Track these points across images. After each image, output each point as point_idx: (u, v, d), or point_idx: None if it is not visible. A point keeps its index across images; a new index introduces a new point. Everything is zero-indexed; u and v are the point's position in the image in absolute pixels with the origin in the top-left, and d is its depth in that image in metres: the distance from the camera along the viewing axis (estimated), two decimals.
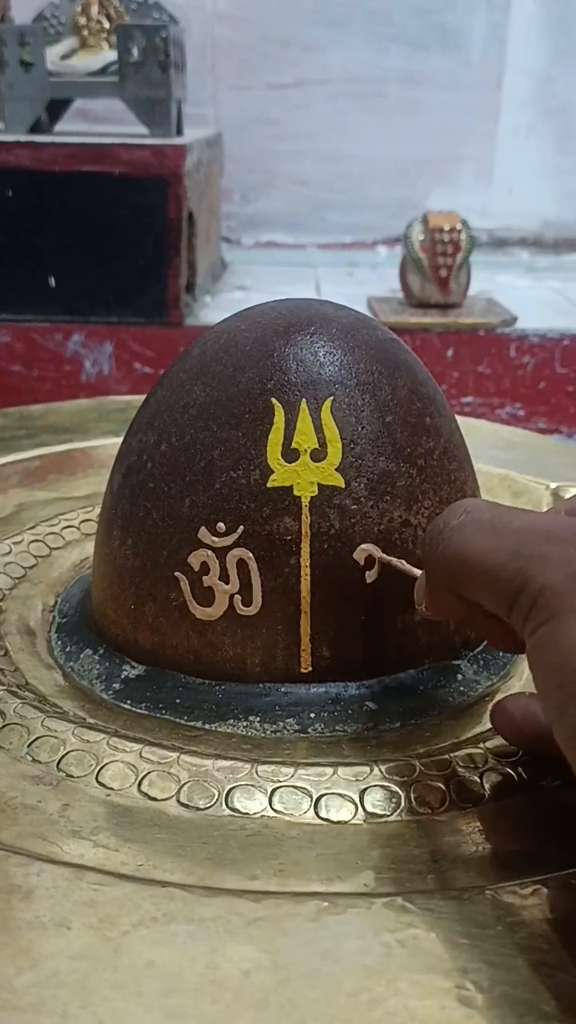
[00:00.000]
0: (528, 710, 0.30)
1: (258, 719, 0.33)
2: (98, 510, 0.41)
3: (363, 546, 0.34)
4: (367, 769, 0.30)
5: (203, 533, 0.34)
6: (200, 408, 0.35)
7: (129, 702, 0.35)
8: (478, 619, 0.30)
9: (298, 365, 0.34)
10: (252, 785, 0.29)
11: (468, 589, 0.27)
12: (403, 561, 0.34)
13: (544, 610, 0.24)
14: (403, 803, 0.29)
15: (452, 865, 0.27)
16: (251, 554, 0.33)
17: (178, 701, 0.34)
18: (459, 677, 0.36)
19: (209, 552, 0.34)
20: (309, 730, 0.33)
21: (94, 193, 1.18)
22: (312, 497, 0.33)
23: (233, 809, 0.29)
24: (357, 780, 0.29)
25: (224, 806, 0.29)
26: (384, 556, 0.34)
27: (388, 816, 0.29)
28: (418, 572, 0.32)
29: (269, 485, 0.33)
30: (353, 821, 0.29)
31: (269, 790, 0.29)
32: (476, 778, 0.30)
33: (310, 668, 0.34)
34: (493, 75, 1.73)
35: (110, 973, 0.22)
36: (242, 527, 0.33)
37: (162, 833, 0.28)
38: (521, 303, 1.36)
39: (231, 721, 0.33)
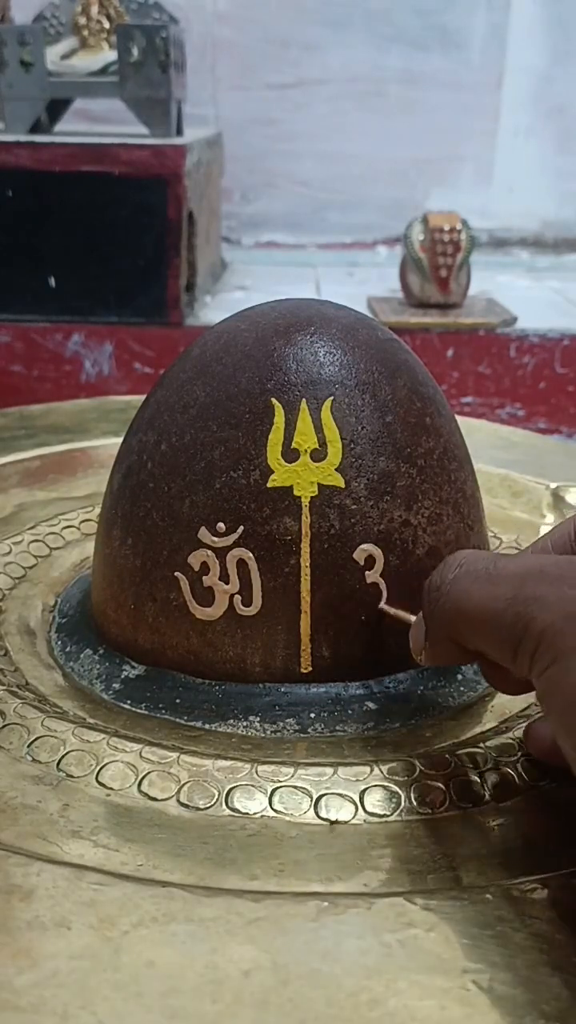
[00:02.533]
0: None
1: (258, 719, 0.33)
2: (98, 510, 0.41)
3: (363, 546, 0.34)
4: (367, 769, 0.30)
5: (203, 533, 0.34)
6: (200, 408, 0.35)
7: (129, 702, 0.35)
8: (481, 666, 0.31)
9: (298, 365, 0.34)
10: (252, 785, 0.29)
11: (470, 640, 0.27)
12: (399, 610, 0.34)
13: (548, 653, 0.24)
14: (403, 803, 0.29)
15: (452, 865, 0.27)
16: (251, 554, 0.33)
17: (178, 701, 0.34)
18: (459, 677, 0.36)
19: (209, 552, 0.34)
20: (309, 730, 0.33)
21: (94, 193, 1.18)
22: (312, 497, 0.33)
23: (233, 809, 0.29)
24: (357, 780, 0.29)
25: (224, 806, 0.29)
26: (383, 606, 0.34)
27: (388, 816, 0.29)
28: (412, 618, 0.32)
29: (269, 485, 0.33)
30: (353, 821, 0.29)
31: (269, 790, 0.29)
32: (476, 778, 0.30)
33: (310, 668, 0.34)
34: (493, 75, 1.73)
35: (110, 973, 0.22)
36: (242, 527, 0.33)
37: (162, 833, 0.28)
38: (521, 303, 1.36)
39: (231, 721, 0.33)
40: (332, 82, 1.72)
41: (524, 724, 0.32)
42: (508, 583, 0.26)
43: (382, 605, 0.34)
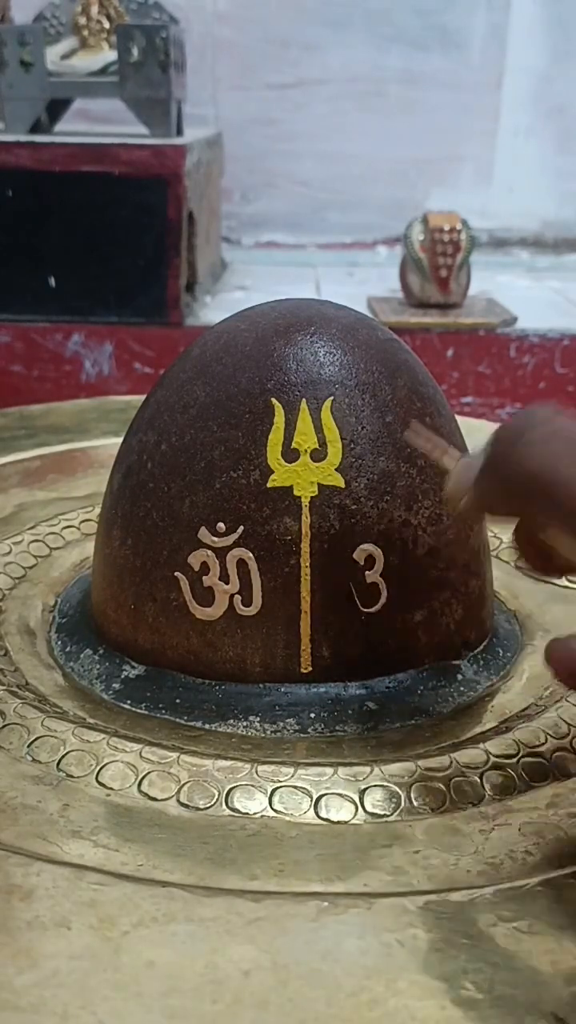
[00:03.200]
0: None
1: (258, 719, 0.33)
2: (98, 510, 0.41)
3: (363, 546, 0.34)
4: (367, 769, 0.30)
5: (203, 533, 0.34)
6: (200, 408, 0.35)
7: (129, 702, 0.35)
8: (517, 535, 0.28)
9: (298, 365, 0.34)
10: (252, 785, 0.29)
11: (544, 505, 0.25)
12: (435, 443, 0.31)
13: None
14: (403, 803, 0.29)
15: (452, 865, 0.27)
16: (251, 554, 0.33)
17: (178, 701, 0.34)
18: (459, 677, 0.36)
19: (209, 552, 0.34)
20: (309, 730, 0.33)
21: (94, 193, 1.18)
22: (312, 497, 0.33)
23: (233, 809, 0.29)
24: (357, 780, 0.29)
25: (224, 806, 0.29)
26: (415, 436, 0.31)
27: (388, 816, 0.29)
28: (448, 450, 0.30)
29: (269, 485, 0.33)
30: (353, 821, 0.29)
31: (269, 790, 0.29)
32: (476, 778, 0.30)
33: (310, 668, 0.34)
34: (493, 75, 1.73)
35: (110, 973, 0.22)
36: (242, 527, 0.33)
37: (162, 833, 0.28)
38: (521, 303, 1.36)
39: (231, 721, 0.33)
40: (332, 82, 1.72)
41: (524, 724, 0.32)
42: None
43: (412, 435, 0.31)
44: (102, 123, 1.44)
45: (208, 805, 0.29)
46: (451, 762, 0.30)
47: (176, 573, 0.34)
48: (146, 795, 0.29)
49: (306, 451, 0.33)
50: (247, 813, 0.29)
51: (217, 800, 0.29)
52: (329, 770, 0.30)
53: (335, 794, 0.29)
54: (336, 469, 0.34)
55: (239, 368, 0.35)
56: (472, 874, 0.26)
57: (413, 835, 0.28)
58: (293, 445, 0.33)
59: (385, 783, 0.29)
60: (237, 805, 0.29)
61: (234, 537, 0.33)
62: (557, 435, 0.25)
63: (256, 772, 0.30)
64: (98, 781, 0.30)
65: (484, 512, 0.28)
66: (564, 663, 0.28)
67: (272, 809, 0.29)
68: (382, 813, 0.29)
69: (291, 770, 0.30)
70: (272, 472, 0.33)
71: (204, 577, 0.34)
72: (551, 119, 1.75)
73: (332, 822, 0.29)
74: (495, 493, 0.27)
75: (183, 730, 0.33)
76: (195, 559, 0.34)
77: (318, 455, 0.34)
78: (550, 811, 0.29)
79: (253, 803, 0.29)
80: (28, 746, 0.31)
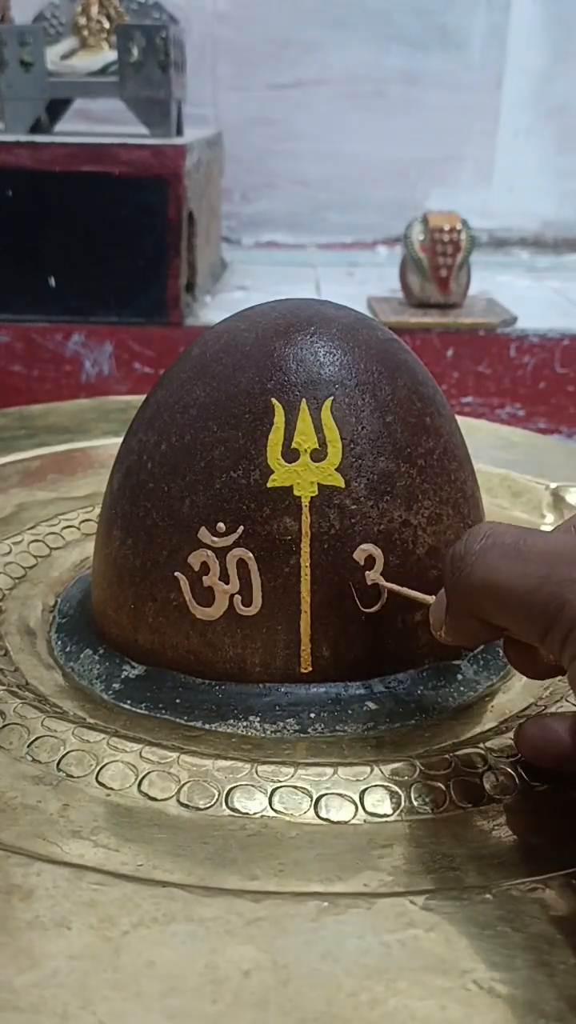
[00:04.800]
0: (549, 731, 0.30)
1: (258, 719, 0.33)
2: (98, 510, 0.41)
3: (363, 546, 0.34)
4: (367, 769, 0.30)
5: (203, 533, 0.34)
6: (200, 408, 0.35)
7: (129, 702, 0.35)
8: (504, 645, 0.30)
9: (298, 365, 0.34)
10: (252, 785, 0.29)
11: (495, 615, 0.27)
12: (411, 590, 0.33)
13: None
14: (403, 803, 0.29)
15: (452, 865, 0.27)
16: (251, 554, 0.33)
17: (178, 701, 0.34)
18: (459, 677, 0.36)
19: (209, 552, 0.34)
20: (309, 730, 0.33)
21: (94, 193, 1.18)
22: (312, 497, 0.33)
23: (233, 809, 0.29)
24: (357, 780, 0.29)
25: (224, 806, 0.29)
26: (392, 585, 0.33)
27: (388, 816, 0.29)
28: (430, 599, 0.31)
29: (269, 485, 0.33)
30: (353, 821, 0.29)
31: (269, 790, 0.29)
32: (476, 778, 0.30)
33: (310, 668, 0.34)
34: (493, 75, 1.73)
35: (110, 973, 0.22)
36: (242, 527, 0.33)
37: (162, 833, 0.28)
38: (521, 303, 1.36)
39: (231, 721, 0.33)
40: (332, 82, 1.72)
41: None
42: (540, 561, 0.25)
43: (388, 585, 0.33)
44: (102, 123, 1.44)
45: (208, 805, 0.29)
46: (451, 762, 0.30)
47: (176, 573, 0.34)
48: (146, 795, 0.29)
49: (306, 451, 0.33)
50: (247, 813, 0.29)
51: (217, 800, 0.29)
52: (329, 770, 0.30)
53: (335, 794, 0.29)
54: (336, 469, 0.34)
55: (239, 368, 0.35)
56: (472, 874, 0.26)
57: (413, 835, 0.28)
58: (293, 445, 0.34)
59: (385, 783, 0.29)
60: (237, 805, 0.29)
61: (234, 537, 0.33)
62: (493, 546, 0.26)
63: (256, 772, 0.30)
64: (98, 781, 0.30)
65: (463, 636, 0.30)
66: (529, 749, 0.30)
67: (272, 809, 0.29)
68: (382, 813, 0.29)
69: (291, 770, 0.30)
70: (272, 472, 0.33)
71: (204, 577, 0.34)
72: (551, 119, 1.75)
73: (332, 822, 0.29)
74: (460, 615, 0.29)
75: (183, 730, 0.33)
76: (195, 559, 0.34)
77: (318, 455, 0.34)
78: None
79: (253, 803, 0.29)
80: (28, 746, 0.31)
